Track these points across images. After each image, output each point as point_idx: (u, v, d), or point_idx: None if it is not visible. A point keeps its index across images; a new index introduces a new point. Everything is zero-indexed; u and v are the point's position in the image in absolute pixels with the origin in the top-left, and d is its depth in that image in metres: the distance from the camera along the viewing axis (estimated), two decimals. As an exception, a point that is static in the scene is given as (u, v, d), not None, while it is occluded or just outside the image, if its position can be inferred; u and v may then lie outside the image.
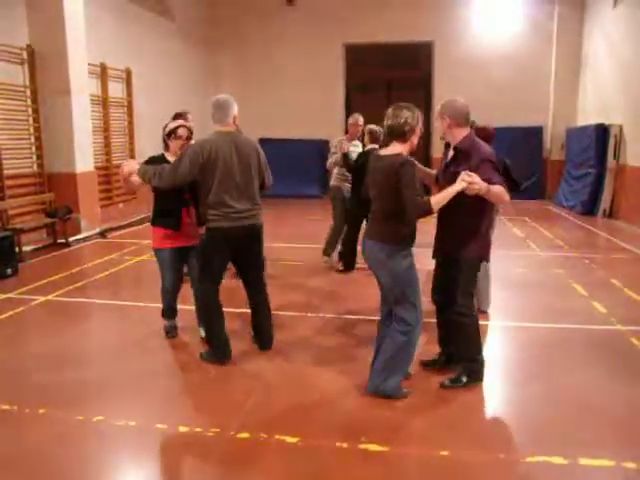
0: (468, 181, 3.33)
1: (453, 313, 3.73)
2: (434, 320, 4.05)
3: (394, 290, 3.54)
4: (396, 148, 3.47)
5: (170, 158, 4.44)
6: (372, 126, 6.57)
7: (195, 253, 4.43)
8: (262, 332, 4.48)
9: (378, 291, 3.71)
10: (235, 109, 4.12)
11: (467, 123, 3.64)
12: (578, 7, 13.75)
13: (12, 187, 8.39)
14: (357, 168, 6.32)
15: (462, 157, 3.58)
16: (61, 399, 3.66)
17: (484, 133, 4.99)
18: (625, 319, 5.12)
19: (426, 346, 4.28)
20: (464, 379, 3.79)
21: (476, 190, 3.34)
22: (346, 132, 7.43)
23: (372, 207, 3.60)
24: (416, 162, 3.58)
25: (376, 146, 6.60)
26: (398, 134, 3.44)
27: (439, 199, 3.38)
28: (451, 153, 3.71)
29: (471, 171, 3.38)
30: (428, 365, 4.09)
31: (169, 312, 4.75)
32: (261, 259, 4.50)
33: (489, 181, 3.41)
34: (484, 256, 3.79)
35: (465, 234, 3.65)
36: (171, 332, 4.77)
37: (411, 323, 3.55)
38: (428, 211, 3.36)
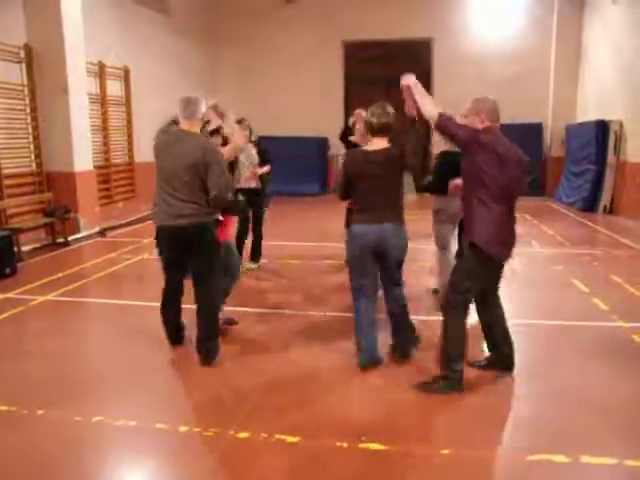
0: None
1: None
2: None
3: (398, 269, 4.07)
4: (383, 143, 3.91)
5: None
6: None
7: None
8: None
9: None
10: (203, 108, 4.07)
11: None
12: (578, 3, 13.70)
13: (10, 186, 8.37)
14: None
15: None
16: (60, 399, 3.64)
17: None
18: (626, 316, 5.09)
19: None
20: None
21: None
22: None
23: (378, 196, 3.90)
24: None
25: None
26: (385, 130, 3.91)
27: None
28: None
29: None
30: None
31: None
32: (207, 265, 4.11)
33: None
34: None
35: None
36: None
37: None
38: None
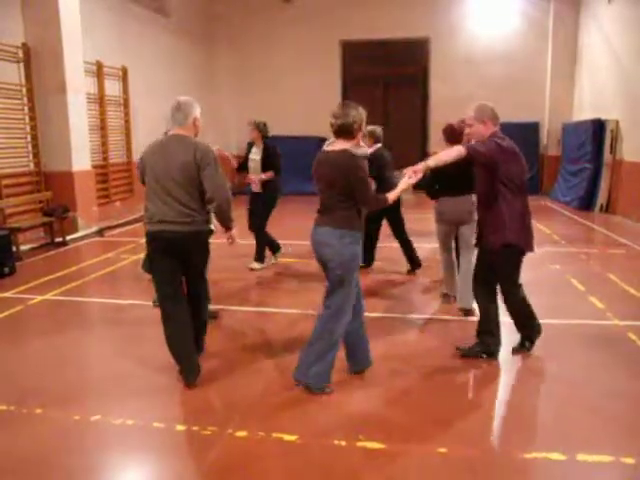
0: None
1: None
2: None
3: (337, 275, 3.62)
4: (344, 144, 3.56)
5: None
6: (372, 127, 6.38)
7: None
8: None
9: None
10: (195, 111, 3.85)
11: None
12: (573, 3, 13.75)
13: (9, 186, 8.38)
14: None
15: None
16: (58, 398, 3.66)
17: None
18: (622, 314, 5.12)
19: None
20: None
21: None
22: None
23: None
24: None
25: (379, 145, 6.52)
26: (347, 132, 3.54)
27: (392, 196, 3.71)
28: None
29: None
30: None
31: None
32: (200, 271, 4.05)
33: None
34: None
35: None
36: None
37: (343, 307, 3.64)
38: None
